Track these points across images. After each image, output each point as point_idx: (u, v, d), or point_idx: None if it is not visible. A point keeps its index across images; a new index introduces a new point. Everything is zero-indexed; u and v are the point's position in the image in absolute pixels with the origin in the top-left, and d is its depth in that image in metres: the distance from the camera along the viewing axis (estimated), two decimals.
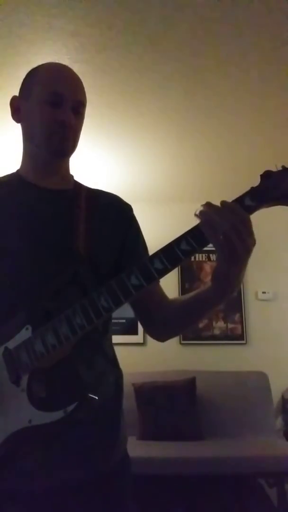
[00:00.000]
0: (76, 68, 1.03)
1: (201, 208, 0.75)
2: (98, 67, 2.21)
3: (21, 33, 1.98)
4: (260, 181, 0.77)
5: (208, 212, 0.74)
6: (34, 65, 1.05)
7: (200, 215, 0.74)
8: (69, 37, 2.01)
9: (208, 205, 0.75)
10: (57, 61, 1.07)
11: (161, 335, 1.07)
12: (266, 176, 0.76)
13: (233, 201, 0.76)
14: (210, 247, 0.77)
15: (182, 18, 1.92)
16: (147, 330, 1.08)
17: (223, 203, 0.74)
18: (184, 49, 2.12)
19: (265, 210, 0.79)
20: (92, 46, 2.07)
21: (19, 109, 1.02)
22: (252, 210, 0.75)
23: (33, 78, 1.02)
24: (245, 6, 1.85)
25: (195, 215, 0.75)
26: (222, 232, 0.72)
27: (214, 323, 3.81)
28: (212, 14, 1.90)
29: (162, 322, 1.03)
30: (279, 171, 0.76)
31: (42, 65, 1.04)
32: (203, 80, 2.36)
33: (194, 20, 1.93)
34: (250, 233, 0.74)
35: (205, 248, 0.73)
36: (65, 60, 2.10)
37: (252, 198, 0.75)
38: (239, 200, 0.76)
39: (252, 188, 0.76)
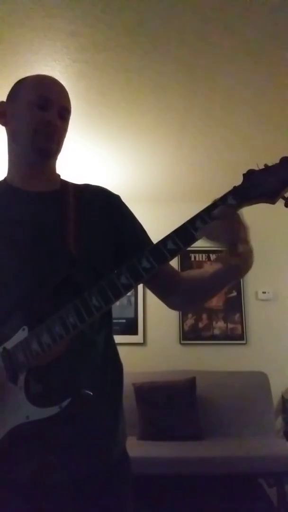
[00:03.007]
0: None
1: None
2: (98, 67, 2.21)
3: (21, 33, 1.98)
4: (243, 180, 0.78)
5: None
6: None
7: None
8: (69, 37, 2.00)
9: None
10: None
11: (178, 306, 1.14)
12: (248, 175, 0.78)
13: (216, 199, 0.78)
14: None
15: (182, 18, 1.92)
16: (164, 302, 1.09)
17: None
18: (184, 49, 2.12)
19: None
20: (92, 46, 2.07)
21: (5, 113, 1.04)
22: (234, 208, 0.77)
23: (20, 84, 1.05)
24: (245, 6, 1.85)
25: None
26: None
27: (214, 323, 3.81)
28: (212, 14, 1.90)
29: (178, 294, 1.05)
30: (260, 170, 0.78)
31: (29, 75, 1.07)
32: (203, 80, 2.37)
33: (194, 20, 1.93)
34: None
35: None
36: (65, 60, 2.10)
37: (234, 197, 0.77)
38: (222, 199, 0.78)
39: (235, 187, 0.78)
